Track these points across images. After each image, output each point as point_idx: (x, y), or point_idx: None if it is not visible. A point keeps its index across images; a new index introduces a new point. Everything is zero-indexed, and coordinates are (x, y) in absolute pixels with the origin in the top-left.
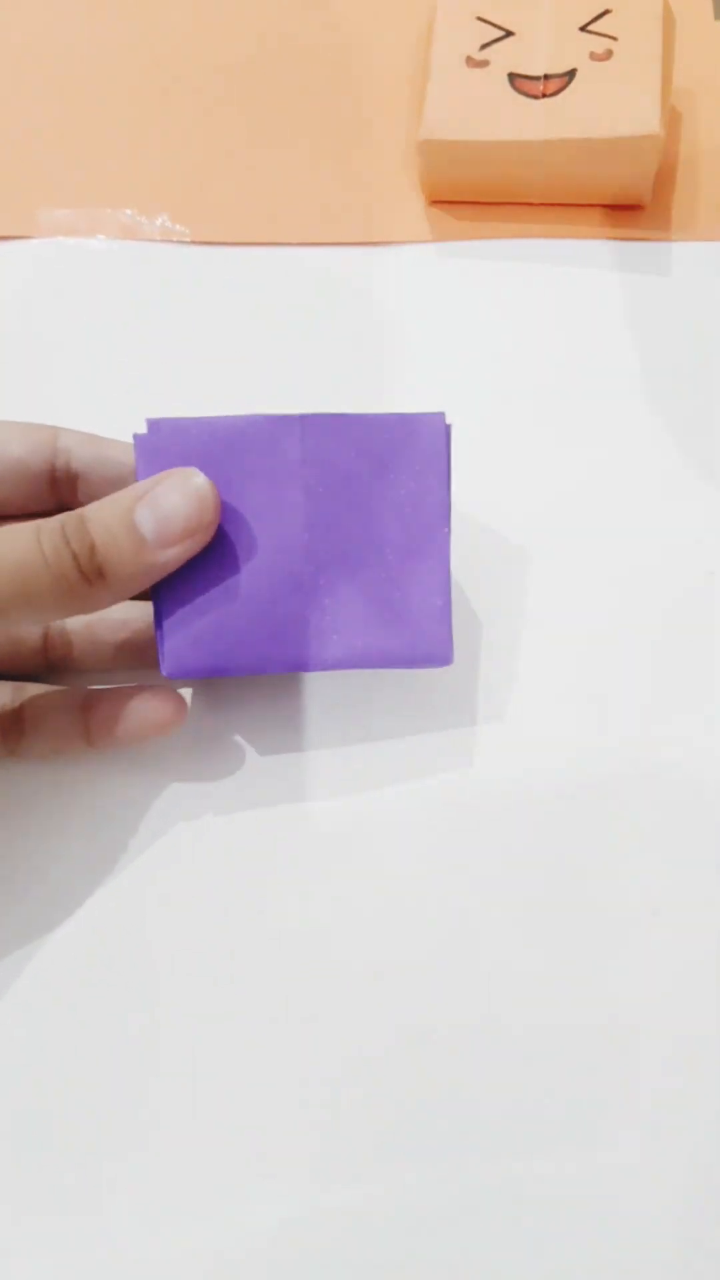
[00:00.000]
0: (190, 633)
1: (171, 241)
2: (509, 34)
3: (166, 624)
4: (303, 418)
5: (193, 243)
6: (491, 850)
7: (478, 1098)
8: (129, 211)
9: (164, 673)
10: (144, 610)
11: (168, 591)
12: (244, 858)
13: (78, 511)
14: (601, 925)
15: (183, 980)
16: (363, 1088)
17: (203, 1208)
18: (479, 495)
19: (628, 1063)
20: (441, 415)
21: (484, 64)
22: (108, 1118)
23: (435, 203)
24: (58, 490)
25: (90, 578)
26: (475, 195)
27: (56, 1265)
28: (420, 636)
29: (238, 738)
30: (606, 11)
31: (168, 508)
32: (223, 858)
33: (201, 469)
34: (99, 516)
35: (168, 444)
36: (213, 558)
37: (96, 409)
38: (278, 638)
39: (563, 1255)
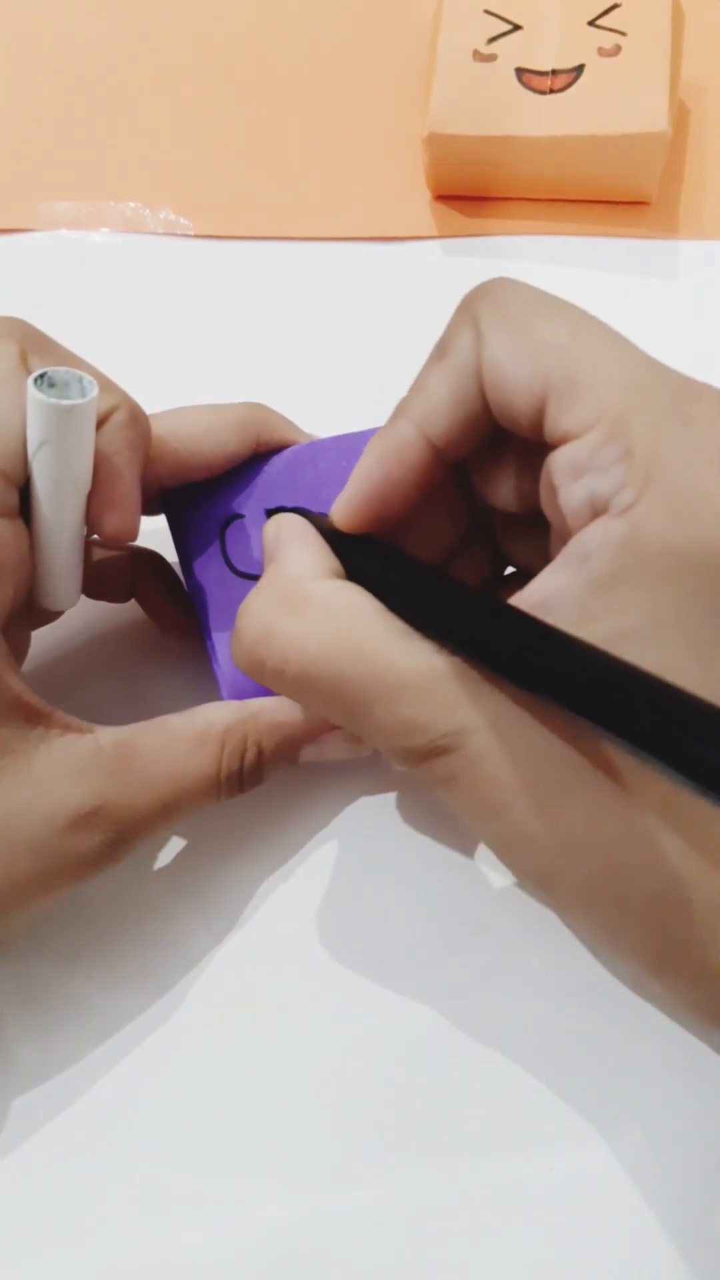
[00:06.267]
0: None
1: (174, 235)
2: (517, 28)
3: (221, 655)
4: (312, 444)
5: (196, 236)
6: (492, 863)
7: (478, 1097)
8: (132, 205)
9: (224, 697)
10: None
11: (218, 624)
12: (245, 854)
13: (256, 739)
14: None
15: (181, 979)
16: (363, 1088)
17: (202, 1208)
18: None
19: (628, 1061)
20: None
21: (491, 58)
22: (106, 1118)
23: (440, 198)
24: None
25: (244, 787)
26: (481, 190)
27: (55, 1265)
28: None
29: None
30: (615, 5)
31: (329, 755)
32: (223, 854)
33: (232, 507)
34: (274, 752)
35: (198, 496)
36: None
37: None
38: None
39: (563, 1255)
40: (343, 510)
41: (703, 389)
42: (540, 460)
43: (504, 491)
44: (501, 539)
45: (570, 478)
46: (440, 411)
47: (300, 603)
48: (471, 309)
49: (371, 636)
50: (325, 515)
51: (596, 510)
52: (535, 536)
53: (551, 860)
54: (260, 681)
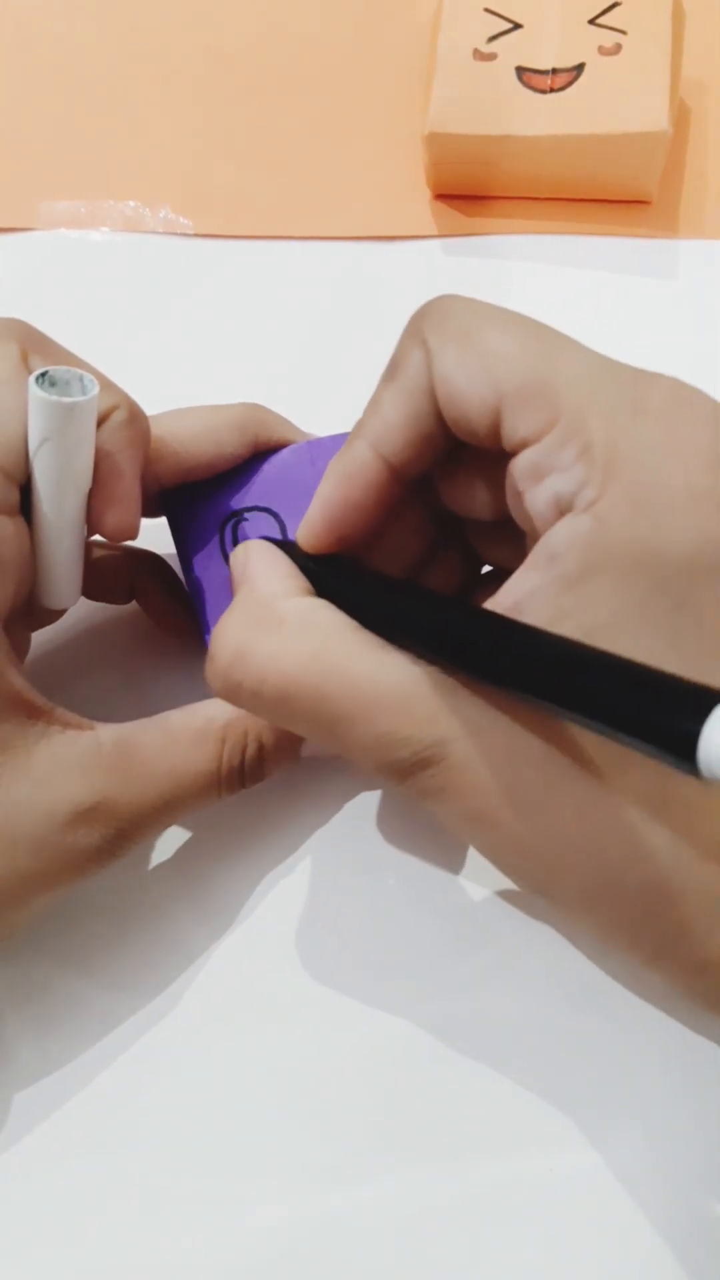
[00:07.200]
0: None
1: (174, 234)
2: (517, 26)
3: None
4: (309, 443)
5: (195, 235)
6: None
7: (478, 1097)
8: (131, 204)
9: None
10: None
11: (216, 623)
12: (244, 852)
13: (256, 735)
14: None
15: (180, 977)
16: (363, 1087)
17: (201, 1209)
18: None
19: (628, 1061)
20: None
21: (491, 57)
22: (105, 1116)
23: (440, 197)
24: None
25: (246, 783)
26: (481, 189)
27: (54, 1264)
28: None
29: None
30: (616, 4)
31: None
32: (222, 851)
33: (231, 506)
34: (275, 747)
35: (197, 495)
36: None
37: None
38: None
39: (563, 1255)
40: (307, 533)
41: (655, 379)
42: (503, 467)
43: (472, 501)
44: (477, 544)
45: (532, 481)
46: (394, 431)
47: (273, 622)
48: (418, 328)
49: (346, 652)
50: (292, 541)
51: (562, 509)
52: (510, 539)
53: (545, 862)
54: (238, 704)
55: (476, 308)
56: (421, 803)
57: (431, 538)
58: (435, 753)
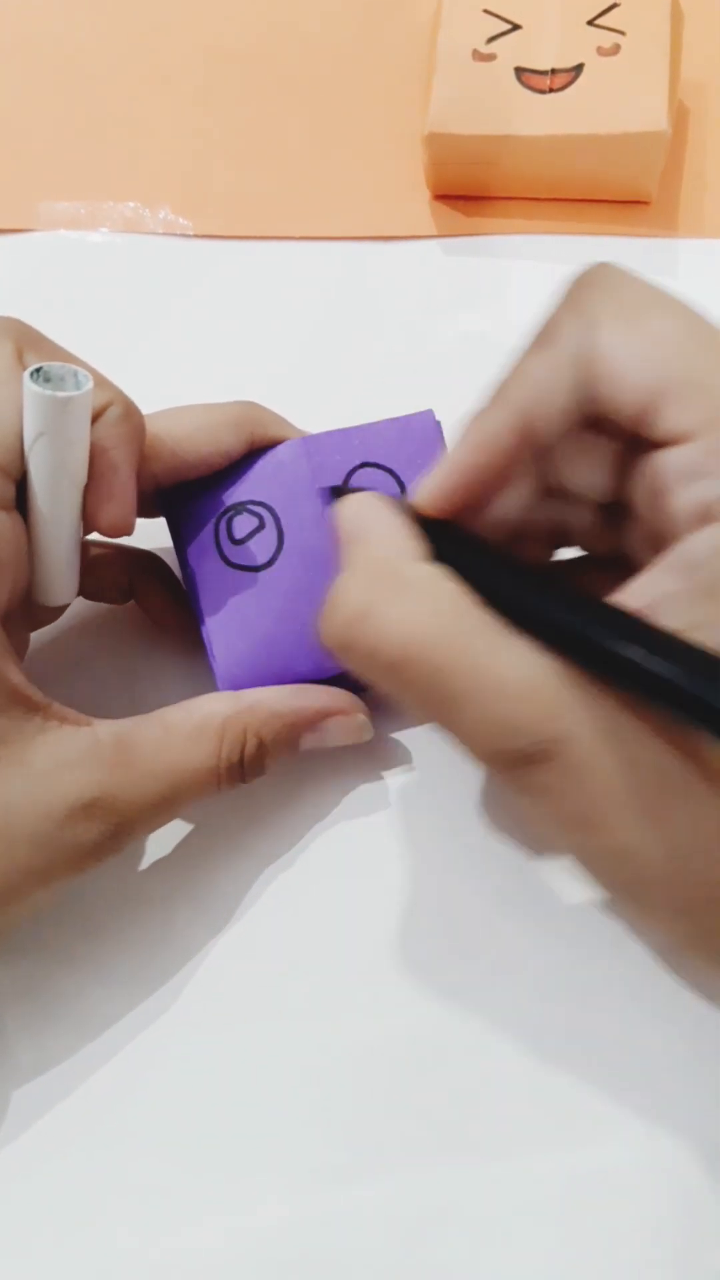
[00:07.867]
0: (238, 651)
1: (174, 235)
2: (516, 27)
3: (216, 647)
4: (305, 439)
5: (195, 236)
6: (494, 852)
7: (479, 1097)
8: (131, 204)
9: (220, 688)
10: None
11: (212, 615)
12: (242, 847)
13: (256, 731)
14: (601, 924)
15: (178, 974)
16: (363, 1086)
17: (202, 1208)
18: None
19: (629, 1061)
20: (430, 412)
21: (490, 57)
22: (105, 1114)
23: (440, 197)
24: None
25: (245, 778)
26: (480, 190)
27: (53, 1264)
28: None
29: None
30: (615, 5)
31: (330, 742)
32: (220, 847)
33: (227, 502)
34: (274, 742)
35: (194, 493)
36: (250, 579)
37: None
38: (316, 646)
39: (565, 1254)
40: (433, 494)
41: None
42: (630, 450)
43: (591, 481)
44: (573, 523)
45: (681, 481)
46: (544, 400)
47: (399, 585)
48: (579, 296)
49: (472, 629)
50: (397, 497)
51: (706, 516)
52: (609, 522)
53: (646, 871)
54: (347, 662)
55: (644, 287)
56: (521, 797)
57: (530, 510)
58: (551, 749)
